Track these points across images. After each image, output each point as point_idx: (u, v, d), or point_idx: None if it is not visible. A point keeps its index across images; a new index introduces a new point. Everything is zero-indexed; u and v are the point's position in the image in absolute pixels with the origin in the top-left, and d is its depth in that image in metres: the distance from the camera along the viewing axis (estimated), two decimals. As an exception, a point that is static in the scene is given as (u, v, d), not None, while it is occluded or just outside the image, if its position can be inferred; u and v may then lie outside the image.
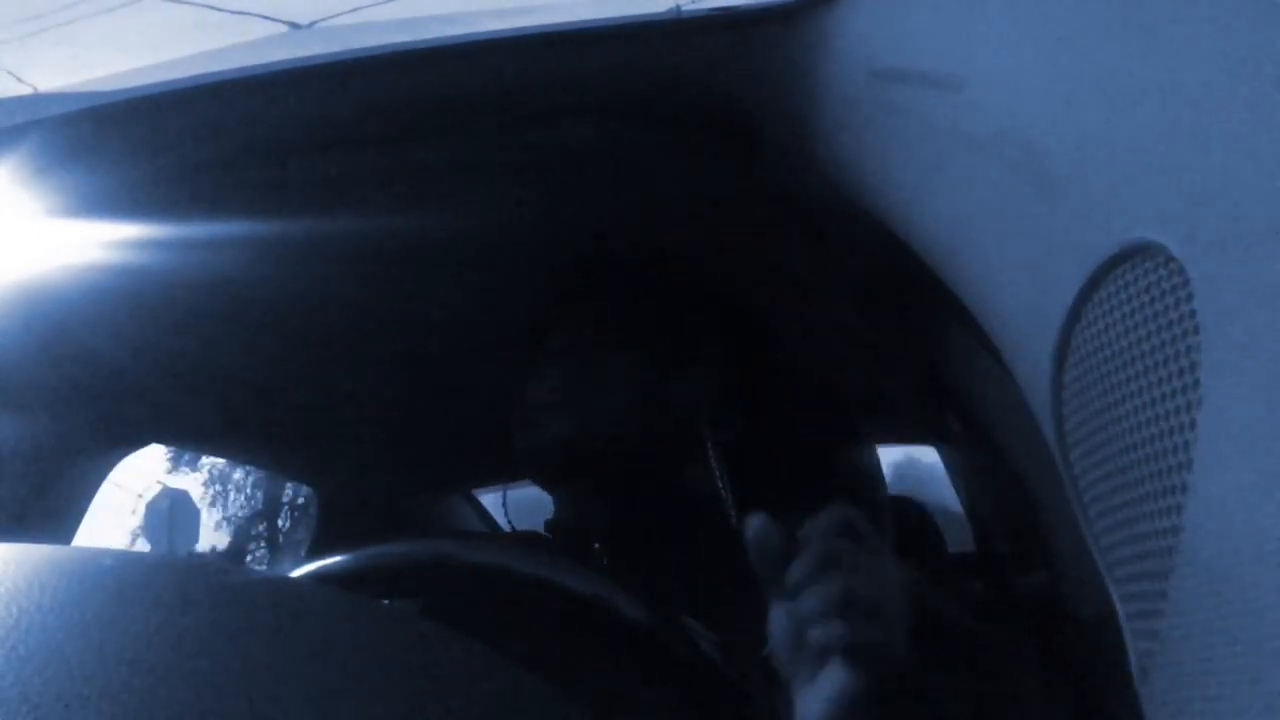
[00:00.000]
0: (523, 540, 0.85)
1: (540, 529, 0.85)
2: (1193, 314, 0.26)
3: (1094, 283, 0.31)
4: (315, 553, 0.75)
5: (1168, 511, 0.26)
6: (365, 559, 0.63)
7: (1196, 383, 0.25)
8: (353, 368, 1.04)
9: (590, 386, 0.78)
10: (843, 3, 0.58)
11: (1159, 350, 0.27)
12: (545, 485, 0.82)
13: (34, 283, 0.76)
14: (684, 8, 0.63)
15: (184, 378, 0.98)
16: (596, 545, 0.79)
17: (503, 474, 0.98)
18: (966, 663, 0.63)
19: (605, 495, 0.79)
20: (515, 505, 0.92)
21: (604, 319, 0.81)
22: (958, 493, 1.06)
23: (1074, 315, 0.32)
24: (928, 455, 1.10)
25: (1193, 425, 0.25)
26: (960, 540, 1.05)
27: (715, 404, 0.81)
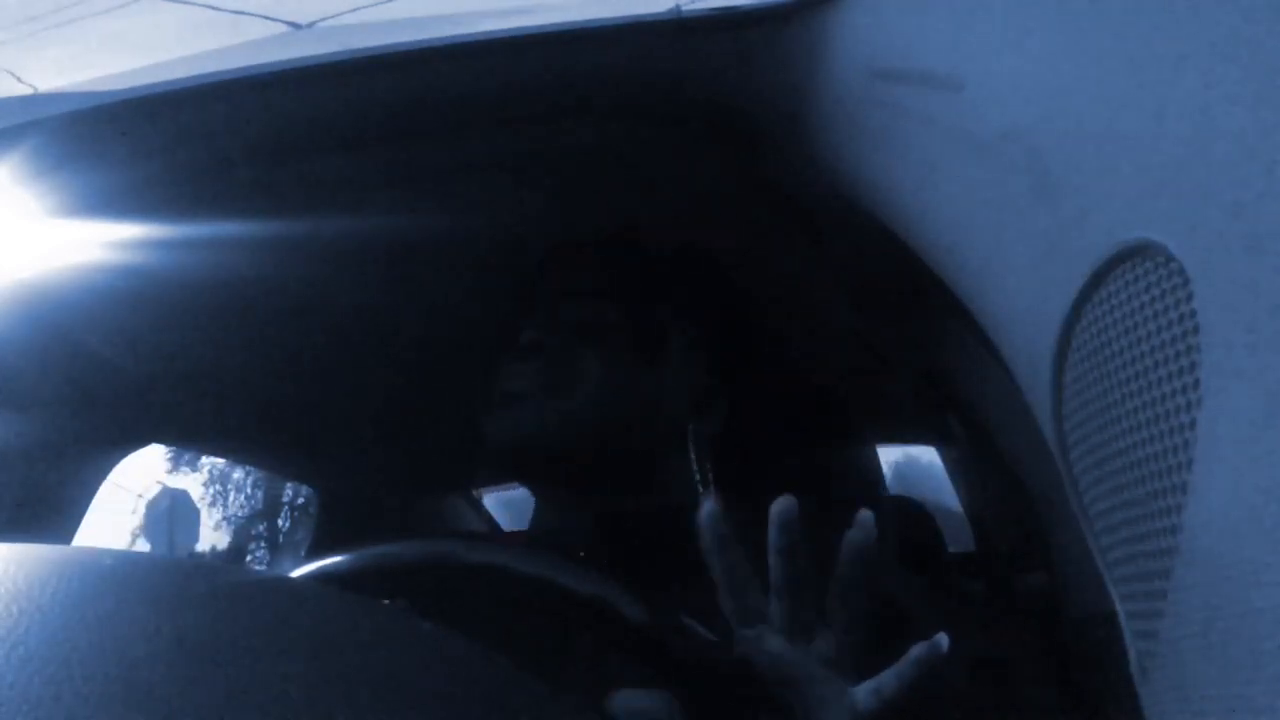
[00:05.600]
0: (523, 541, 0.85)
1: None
2: (1193, 314, 0.26)
3: (1094, 283, 0.31)
4: (315, 553, 0.75)
5: (1168, 511, 0.26)
6: (365, 559, 0.63)
7: (1196, 383, 0.25)
8: (353, 368, 1.04)
9: (564, 377, 0.77)
10: (843, 3, 0.58)
11: (1159, 350, 0.27)
12: (517, 479, 0.82)
13: (34, 283, 0.76)
14: (684, 8, 0.63)
15: (184, 378, 0.98)
16: (578, 546, 0.78)
17: (503, 474, 0.98)
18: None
19: (580, 488, 0.78)
20: (516, 505, 0.92)
21: (581, 311, 0.80)
22: (958, 493, 1.06)
23: (1074, 315, 0.32)
24: (928, 455, 1.09)
25: (1193, 425, 0.25)
26: (960, 540, 1.04)
27: (695, 395, 0.80)
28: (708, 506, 0.58)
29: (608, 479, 0.77)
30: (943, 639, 0.55)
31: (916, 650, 0.55)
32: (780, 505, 0.56)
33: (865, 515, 0.57)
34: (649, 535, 0.76)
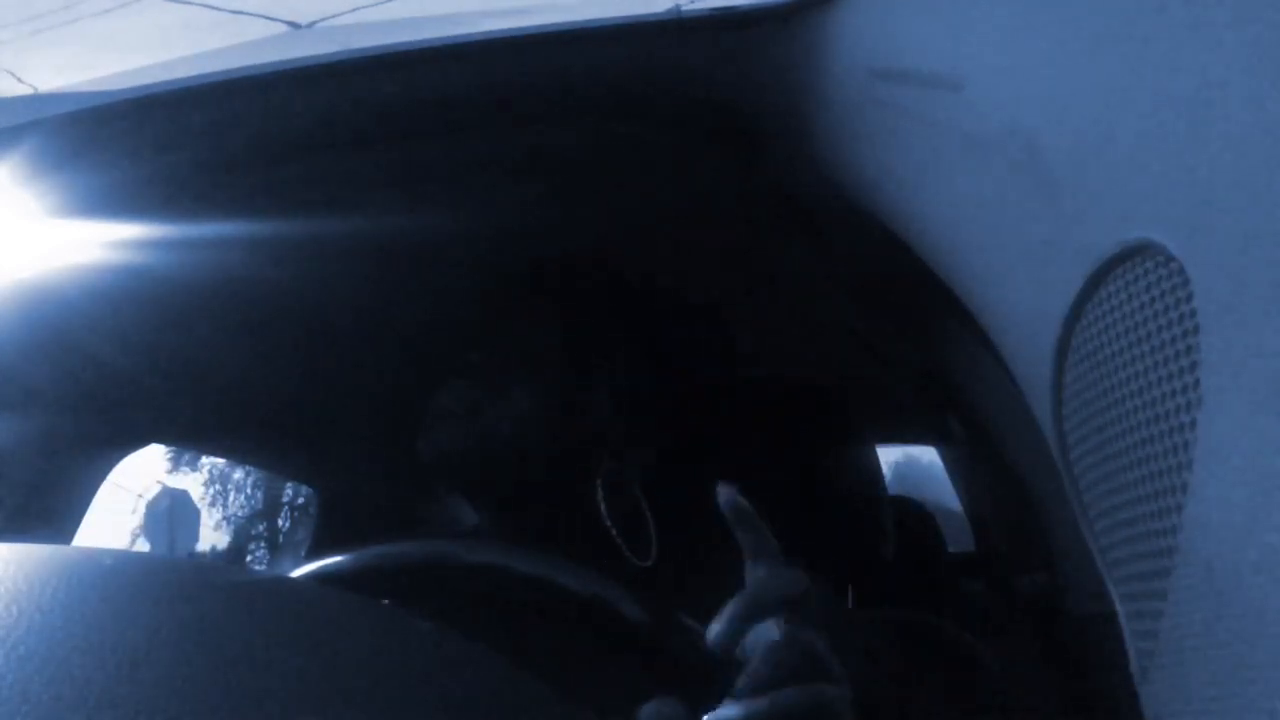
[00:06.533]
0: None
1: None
2: (1193, 314, 0.26)
3: (1094, 283, 0.31)
4: (315, 553, 0.75)
5: (1168, 511, 0.26)
6: (365, 559, 0.63)
7: (1196, 383, 0.25)
8: (353, 367, 1.04)
9: (491, 399, 0.78)
10: (843, 3, 0.58)
11: (1159, 350, 0.27)
12: (442, 493, 0.83)
13: (34, 283, 0.76)
14: (684, 8, 0.63)
15: (184, 378, 0.98)
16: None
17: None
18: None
19: (504, 507, 0.79)
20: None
21: (514, 335, 0.81)
22: (958, 493, 1.06)
23: (1074, 315, 0.32)
24: (928, 455, 1.09)
25: (1193, 425, 0.25)
26: (960, 540, 1.04)
27: (621, 421, 0.81)
28: (724, 491, 0.58)
29: (530, 498, 0.78)
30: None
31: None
32: (724, 495, 0.57)
33: (725, 490, 0.57)
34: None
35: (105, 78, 0.66)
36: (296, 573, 0.65)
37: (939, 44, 0.47)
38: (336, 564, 0.64)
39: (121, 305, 0.82)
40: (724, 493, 0.57)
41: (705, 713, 0.54)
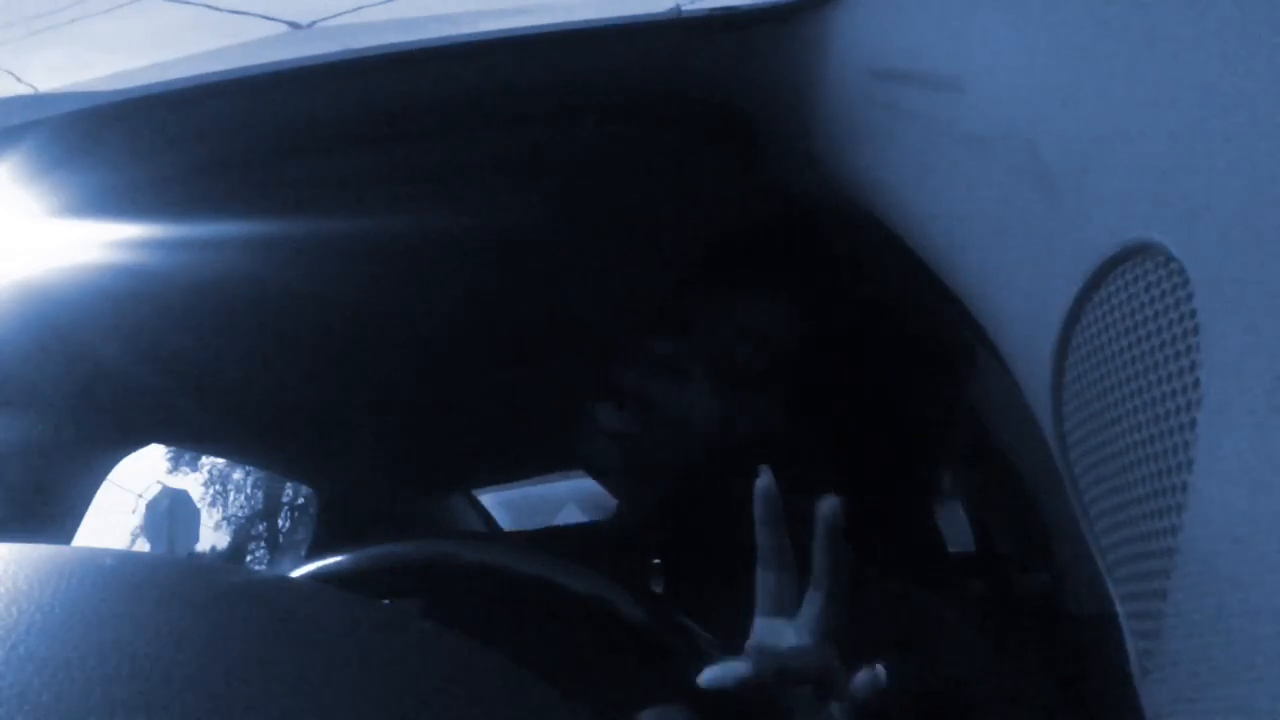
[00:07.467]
0: (523, 540, 0.85)
1: (540, 529, 0.85)
2: (1193, 314, 0.26)
3: (1094, 283, 0.31)
4: (315, 553, 0.75)
5: (1168, 511, 0.26)
6: (365, 559, 0.63)
7: (1196, 383, 0.25)
8: (353, 368, 1.04)
9: (671, 396, 0.76)
10: (843, 3, 0.58)
11: (1159, 350, 0.27)
12: (606, 485, 0.81)
13: (34, 283, 0.76)
14: (684, 8, 0.63)
15: (184, 378, 0.98)
16: (647, 558, 0.78)
17: (503, 474, 0.98)
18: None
19: (666, 507, 0.77)
20: (516, 505, 0.92)
21: (723, 356, 0.79)
22: (958, 493, 1.06)
23: (1074, 315, 0.32)
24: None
25: (1193, 425, 0.25)
26: (960, 540, 1.04)
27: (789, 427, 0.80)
28: (764, 480, 0.58)
29: (691, 497, 0.76)
30: (881, 673, 0.54)
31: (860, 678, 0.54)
32: (762, 482, 0.57)
33: (830, 501, 0.57)
34: (701, 555, 0.76)
35: (105, 78, 0.66)
36: (296, 573, 0.65)
37: (939, 44, 0.47)
38: (336, 564, 0.64)
39: (121, 305, 0.82)
40: (762, 481, 0.57)
41: (706, 717, 0.55)
